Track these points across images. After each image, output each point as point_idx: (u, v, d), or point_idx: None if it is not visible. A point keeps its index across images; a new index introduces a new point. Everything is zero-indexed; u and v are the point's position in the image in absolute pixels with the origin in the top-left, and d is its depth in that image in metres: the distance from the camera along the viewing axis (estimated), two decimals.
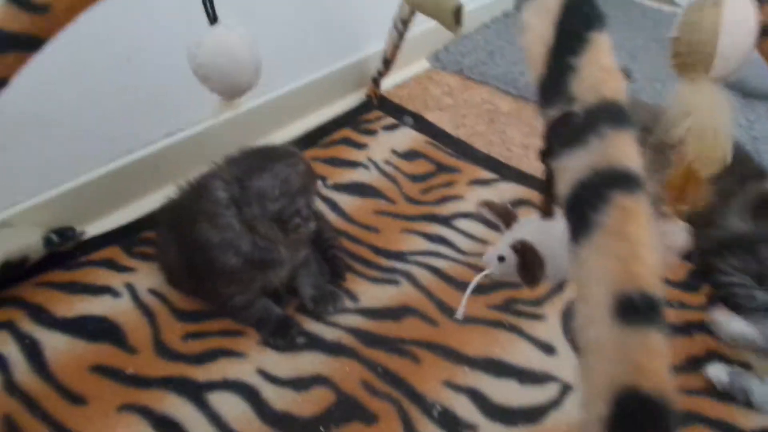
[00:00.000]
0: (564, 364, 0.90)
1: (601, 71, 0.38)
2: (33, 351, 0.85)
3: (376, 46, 1.58)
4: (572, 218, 0.37)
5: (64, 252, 1.02)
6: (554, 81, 0.42)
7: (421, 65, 1.76)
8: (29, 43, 0.64)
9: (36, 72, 0.97)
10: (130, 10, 1.05)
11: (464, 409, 0.84)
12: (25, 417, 0.77)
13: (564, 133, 0.40)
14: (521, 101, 1.61)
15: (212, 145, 0.97)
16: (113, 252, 1.04)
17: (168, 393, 0.81)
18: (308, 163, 0.87)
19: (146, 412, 0.79)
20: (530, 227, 0.56)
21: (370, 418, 0.82)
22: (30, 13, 0.62)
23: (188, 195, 0.93)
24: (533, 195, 1.23)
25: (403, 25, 1.26)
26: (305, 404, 0.83)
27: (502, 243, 0.59)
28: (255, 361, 0.88)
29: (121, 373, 0.84)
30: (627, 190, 0.34)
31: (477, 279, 0.61)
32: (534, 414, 0.84)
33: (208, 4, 0.67)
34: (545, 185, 0.52)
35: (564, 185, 0.39)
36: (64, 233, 1.01)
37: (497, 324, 0.96)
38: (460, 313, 0.65)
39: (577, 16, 0.41)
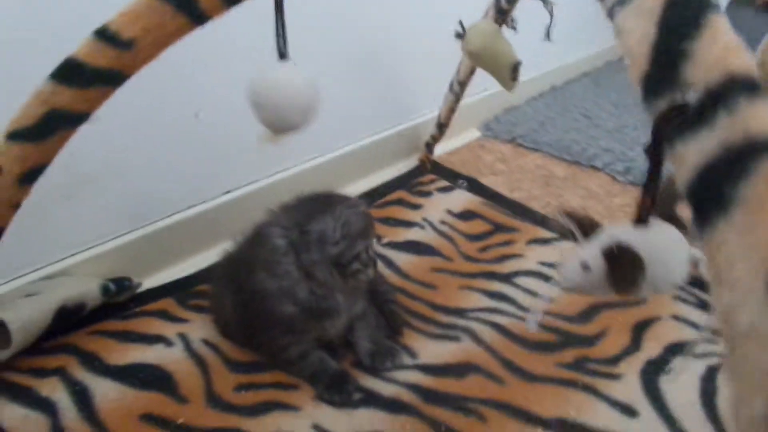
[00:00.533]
0: (648, 428, 0.82)
1: (724, 49, 0.36)
2: (83, 397, 0.82)
3: (428, 113, 1.61)
4: (702, 201, 0.34)
5: (119, 303, 1.01)
6: (663, 71, 0.40)
7: (472, 134, 1.77)
8: (113, 79, 0.66)
9: (110, 126, 1.01)
10: (201, 66, 1.09)
11: None
12: None
13: (680, 120, 0.37)
14: (576, 167, 1.59)
15: (268, 202, 0.96)
16: (167, 303, 1.02)
17: None
18: (367, 208, 0.86)
19: None
20: (621, 233, 0.52)
21: None
22: (116, 48, 0.64)
23: (245, 245, 0.92)
24: None
25: (460, 87, 1.28)
26: None
27: (584, 251, 0.54)
28: (310, 416, 0.82)
29: (172, 423, 0.79)
30: None
31: (551, 291, 0.55)
32: None
33: (280, 40, 0.68)
34: (645, 187, 0.48)
35: (686, 171, 0.36)
36: (121, 283, 1.00)
37: (569, 383, 0.89)
38: (532, 324, 0.60)
39: (688, 6, 0.39)
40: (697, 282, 1.09)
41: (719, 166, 0.33)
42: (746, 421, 0.28)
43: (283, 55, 0.69)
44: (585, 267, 0.53)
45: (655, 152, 0.43)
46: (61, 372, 0.85)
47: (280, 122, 0.72)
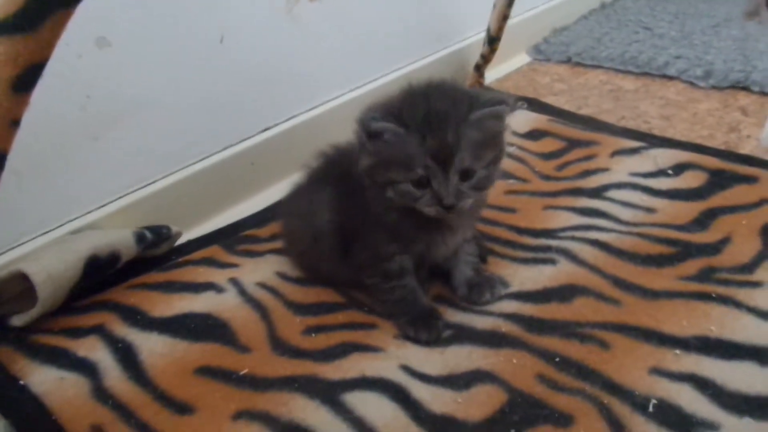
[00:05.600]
0: None
1: None
2: (127, 355, 0.69)
3: (474, 34, 1.44)
4: None
5: (158, 256, 0.88)
6: None
7: (522, 59, 1.61)
8: None
9: (126, 55, 0.88)
10: None
11: (691, 401, 0.61)
12: (118, 427, 0.60)
13: None
14: (646, 78, 1.41)
15: (310, 140, 0.82)
16: (213, 251, 0.89)
17: (294, 395, 0.63)
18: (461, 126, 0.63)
19: (269, 419, 0.60)
20: None
21: (562, 419, 0.60)
22: None
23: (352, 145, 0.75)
24: (699, 158, 1.01)
25: None
26: (470, 406, 0.62)
27: None
28: (396, 356, 0.69)
29: (234, 374, 0.66)
30: None
31: None
32: None
33: None
34: None
35: None
36: (158, 231, 0.87)
37: (701, 296, 0.73)
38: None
39: None
40: None
41: None
42: None
43: None
44: None
45: None
46: (99, 330, 0.73)
47: None
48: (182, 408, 0.62)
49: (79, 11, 0.54)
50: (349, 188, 0.72)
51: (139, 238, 0.83)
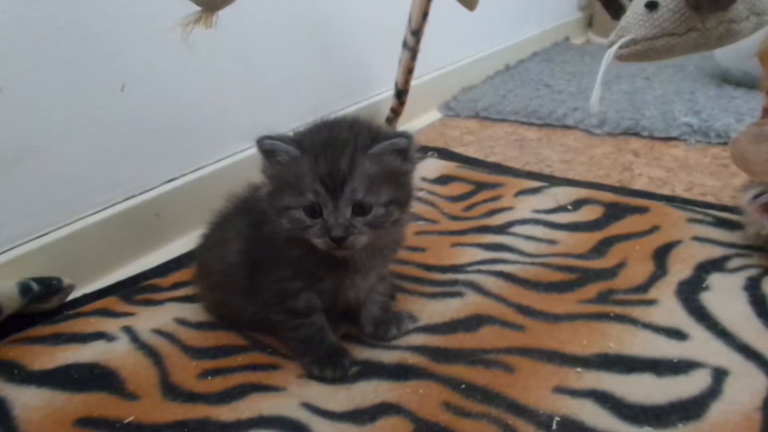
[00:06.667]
0: (705, 348, 0.68)
1: None
2: None
3: (386, 91, 1.49)
4: None
5: (49, 310, 0.82)
6: None
7: (433, 115, 1.67)
8: None
9: (19, 99, 0.85)
10: (124, 29, 0.94)
11: (592, 415, 0.60)
12: None
13: None
14: (548, 129, 1.49)
15: (217, 192, 0.80)
16: (109, 302, 0.84)
17: None
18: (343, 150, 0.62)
19: None
20: None
21: None
22: None
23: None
24: (595, 194, 1.06)
25: (414, 37, 1.16)
26: None
27: None
28: (298, 394, 0.66)
29: (118, 423, 0.61)
30: None
31: (613, 50, 0.43)
32: (691, 409, 0.60)
33: None
34: None
35: None
36: (48, 282, 0.81)
37: (600, 317, 0.75)
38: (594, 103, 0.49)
39: None
40: (712, 205, 0.99)
41: None
42: None
43: None
44: (651, 6, 0.40)
45: None
46: None
47: None
48: None
49: None
50: (260, 219, 0.70)
51: (24, 289, 0.78)
